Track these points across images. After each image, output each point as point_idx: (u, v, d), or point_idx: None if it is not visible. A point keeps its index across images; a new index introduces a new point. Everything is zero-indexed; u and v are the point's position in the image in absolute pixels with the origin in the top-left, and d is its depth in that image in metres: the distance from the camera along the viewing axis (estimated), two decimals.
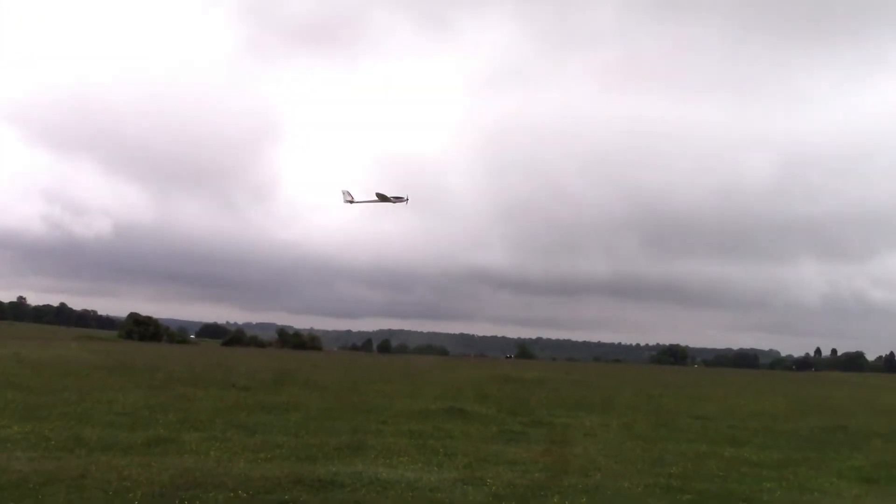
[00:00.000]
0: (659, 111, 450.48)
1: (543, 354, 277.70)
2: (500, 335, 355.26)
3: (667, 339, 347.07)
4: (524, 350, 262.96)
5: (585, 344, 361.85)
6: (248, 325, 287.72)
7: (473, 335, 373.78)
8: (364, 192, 66.78)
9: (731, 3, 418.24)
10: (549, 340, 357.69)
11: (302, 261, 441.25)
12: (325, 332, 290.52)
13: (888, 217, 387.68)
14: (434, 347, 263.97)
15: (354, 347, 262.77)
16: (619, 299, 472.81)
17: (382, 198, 63.02)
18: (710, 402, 46.87)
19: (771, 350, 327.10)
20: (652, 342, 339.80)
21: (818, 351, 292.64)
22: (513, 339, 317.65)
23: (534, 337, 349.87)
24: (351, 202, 65.65)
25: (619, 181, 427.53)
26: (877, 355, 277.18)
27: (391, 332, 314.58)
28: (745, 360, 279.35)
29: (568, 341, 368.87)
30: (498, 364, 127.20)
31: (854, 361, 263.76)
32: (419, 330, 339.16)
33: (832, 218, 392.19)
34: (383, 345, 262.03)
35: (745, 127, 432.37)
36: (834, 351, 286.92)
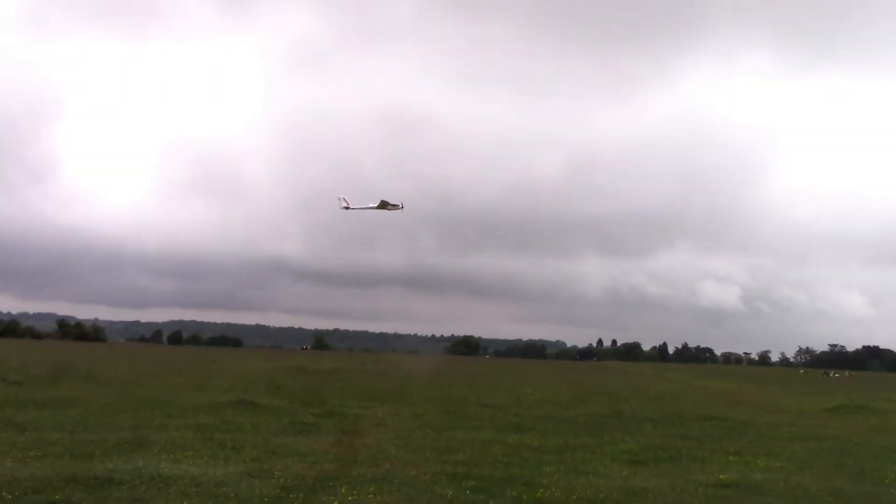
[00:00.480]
0: (455, 106, 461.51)
1: (340, 345, 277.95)
2: (296, 326, 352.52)
3: (461, 330, 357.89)
4: (320, 341, 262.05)
5: (382, 335, 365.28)
6: (25, 315, 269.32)
7: (269, 326, 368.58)
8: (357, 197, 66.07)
9: (525, 3, 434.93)
10: (346, 332, 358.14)
11: (85, 247, 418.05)
12: (111, 323, 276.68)
13: (662, 217, 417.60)
14: (228, 338, 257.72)
15: (143, 339, 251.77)
16: (415, 291, 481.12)
17: (383, 205, 62.73)
18: (498, 391, 48.54)
19: (558, 341, 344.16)
20: (447, 333, 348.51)
21: (600, 342, 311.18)
22: (309, 331, 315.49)
23: (331, 328, 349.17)
24: (347, 208, 64.60)
25: (416, 174, 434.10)
26: (651, 345, 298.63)
27: (183, 323, 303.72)
28: (533, 350, 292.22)
29: (365, 332, 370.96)
30: (293, 355, 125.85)
31: (631, 351, 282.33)
32: (213, 321, 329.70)
33: (613, 217, 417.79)
34: (174, 336, 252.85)
35: (535, 126, 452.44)
36: (614, 341, 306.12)
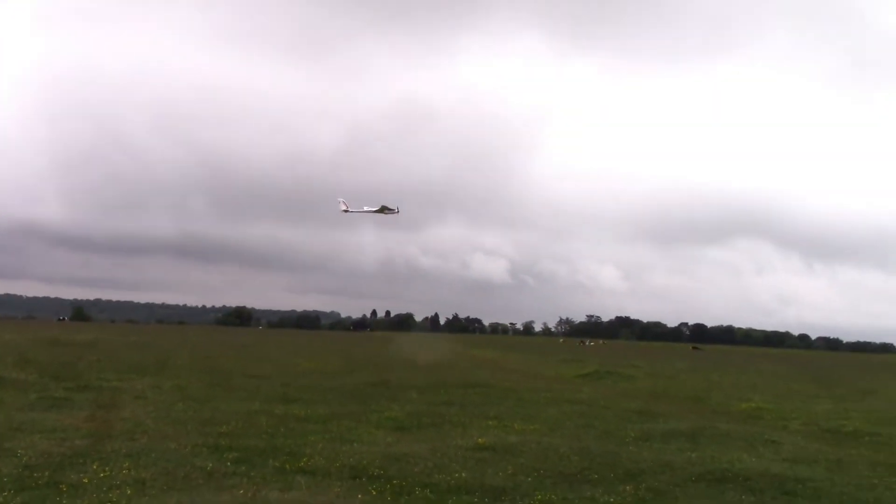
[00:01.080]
0: (231, 70, 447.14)
1: (102, 316, 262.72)
2: (52, 296, 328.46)
3: (233, 300, 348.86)
4: (80, 312, 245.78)
5: (149, 305, 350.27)
6: None
7: (21, 296, 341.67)
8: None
9: None
10: (109, 302, 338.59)
11: None
12: None
13: (438, 189, 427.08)
14: None
15: None
16: (185, 260, 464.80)
17: (384, 209, 67.38)
18: (267, 362, 47.88)
19: (332, 312, 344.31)
20: (218, 304, 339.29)
21: (374, 312, 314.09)
22: (68, 301, 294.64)
23: (92, 298, 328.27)
24: (346, 211, 68.98)
25: (189, 139, 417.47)
26: (423, 316, 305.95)
27: None
28: (307, 321, 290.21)
29: (130, 303, 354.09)
30: (47, 327, 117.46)
31: (405, 322, 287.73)
32: None
33: (391, 188, 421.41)
34: None
35: (314, 95, 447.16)
36: (388, 312, 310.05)
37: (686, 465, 16.45)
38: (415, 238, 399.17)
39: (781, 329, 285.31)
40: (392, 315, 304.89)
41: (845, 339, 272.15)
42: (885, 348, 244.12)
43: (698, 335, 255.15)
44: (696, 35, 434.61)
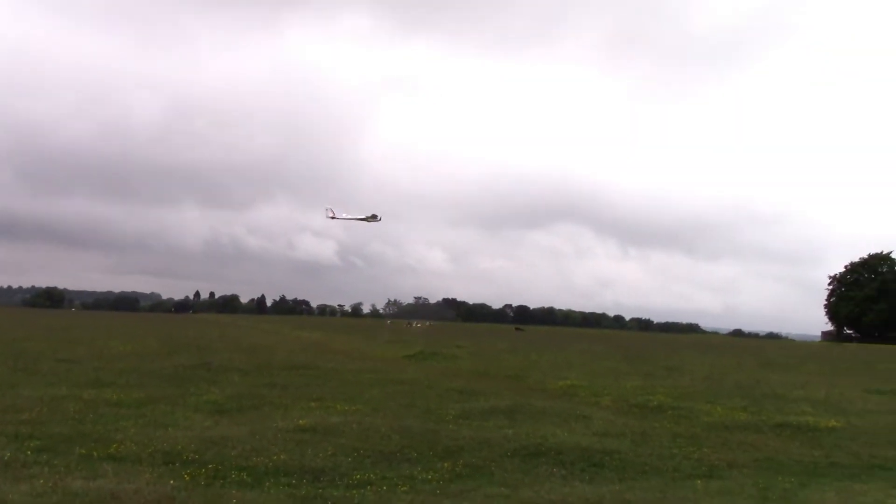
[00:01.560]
0: (46, 37, 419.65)
1: None
2: None
3: (44, 281, 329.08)
4: None
5: None
6: None
7: None
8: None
9: None
10: None
11: None
12: None
13: (264, 169, 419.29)
14: None
15: None
16: None
17: (372, 217, 70.44)
18: (79, 344, 45.38)
19: (153, 293, 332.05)
20: (27, 284, 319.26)
21: (197, 294, 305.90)
22: None
23: None
24: (332, 218, 70.83)
25: None
26: (250, 298, 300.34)
27: None
28: (125, 302, 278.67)
29: None
30: None
31: (230, 303, 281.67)
32: None
33: (215, 166, 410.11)
34: None
35: (133, 66, 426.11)
36: (212, 294, 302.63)
37: (503, 441, 16.94)
38: (241, 218, 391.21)
39: (599, 311, 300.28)
40: (217, 297, 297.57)
41: (656, 319, 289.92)
42: (691, 328, 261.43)
43: (522, 316, 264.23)
44: (524, 23, 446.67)
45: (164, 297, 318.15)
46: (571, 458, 15.56)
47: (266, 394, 24.22)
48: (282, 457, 14.52)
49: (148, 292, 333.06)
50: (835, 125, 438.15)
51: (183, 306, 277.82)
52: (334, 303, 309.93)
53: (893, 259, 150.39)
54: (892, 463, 16.86)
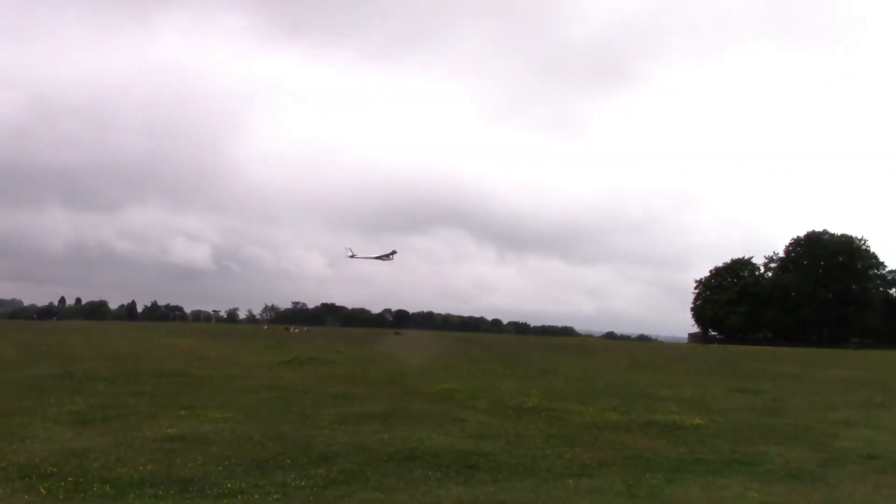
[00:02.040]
0: None
1: None
2: None
3: None
4: None
5: None
6: None
7: None
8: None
9: None
10: None
11: None
12: None
13: (135, 171, 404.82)
14: None
15: None
16: None
17: (387, 256, 74.71)
18: None
19: (13, 299, 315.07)
20: None
21: (62, 300, 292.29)
22: None
23: None
24: (352, 257, 74.82)
25: None
26: (119, 304, 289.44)
27: None
28: None
29: None
30: None
31: (98, 309, 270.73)
32: None
33: (81, 166, 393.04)
34: None
35: None
36: (79, 300, 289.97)
37: (378, 445, 16.82)
38: (109, 220, 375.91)
39: (477, 315, 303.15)
40: (84, 302, 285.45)
41: (533, 323, 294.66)
42: (566, 331, 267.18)
43: (401, 321, 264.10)
44: (402, 29, 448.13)
45: (26, 303, 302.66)
46: (447, 461, 15.60)
47: (133, 403, 23.37)
48: (148, 467, 13.98)
49: (8, 298, 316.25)
50: (700, 131, 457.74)
51: (47, 313, 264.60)
52: (209, 308, 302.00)
53: (754, 264, 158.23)
54: (752, 458, 17.65)
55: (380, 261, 74.79)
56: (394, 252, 76.79)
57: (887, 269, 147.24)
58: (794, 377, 44.00)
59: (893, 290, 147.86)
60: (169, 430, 17.77)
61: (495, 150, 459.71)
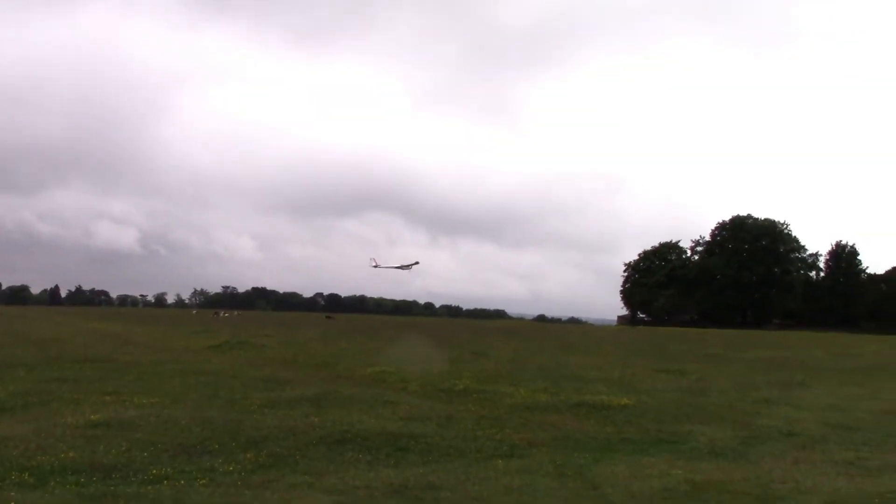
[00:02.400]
0: None
1: None
2: None
3: None
4: None
5: None
6: None
7: None
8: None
9: None
10: None
11: None
12: None
13: (57, 152, 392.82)
14: None
15: None
16: None
17: (408, 267, 76.18)
18: None
19: None
20: None
21: None
22: None
23: None
24: (376, 266, 75.57)
25: None
26: (42, 288, 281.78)
27: None
28: None
29: None
30: None
31: (18, 294, 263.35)
32: None
33: (1, 147, 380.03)
34: None
35: None
36: None
37: (308, 429, 16.71)
38: (30, 203, 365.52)
39: (410, 298, 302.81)
40: (3, 287, 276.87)
41: (465, 306, 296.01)
42: (498, 314, 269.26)
43: (333, 305, 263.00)
44: (334, 12, 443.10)
45: None
46: (377, 444, 15.59)
47: (55, 389, 22.74)
48: (70, 454, 13.64)
49: None
50: (630, 117, 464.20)
51: None
52: (136, 293, 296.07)
53: (682, 248, 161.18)
54: (677, 437, 18.07)
55: (401, 269, 78.16)
56: (416, 262, 79.80)
57: (808, 253, 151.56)
58: (718, 358, 45.18)
59: (814, 272, 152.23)
60: (92, 416, 17.35)
61: (427, 134, 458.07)
